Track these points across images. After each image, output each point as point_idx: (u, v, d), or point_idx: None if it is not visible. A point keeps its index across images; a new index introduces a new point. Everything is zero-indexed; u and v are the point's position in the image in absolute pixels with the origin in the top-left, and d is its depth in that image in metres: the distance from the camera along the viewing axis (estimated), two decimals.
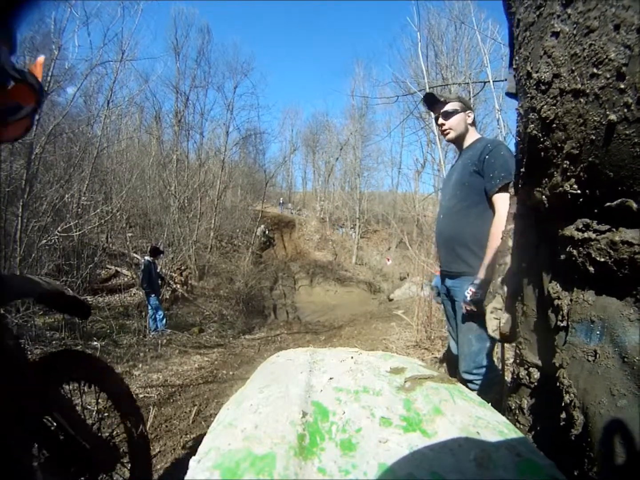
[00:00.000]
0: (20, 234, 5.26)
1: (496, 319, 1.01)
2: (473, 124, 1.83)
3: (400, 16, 18.53)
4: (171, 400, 3.52)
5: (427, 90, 1.82)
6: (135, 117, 18.27)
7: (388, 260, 21.10)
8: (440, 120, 1.80)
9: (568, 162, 0.63)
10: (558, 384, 0.70)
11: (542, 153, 0.68)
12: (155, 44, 61.53)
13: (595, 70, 0.55)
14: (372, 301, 15.57)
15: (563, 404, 0.68)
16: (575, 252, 0.65)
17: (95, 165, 8.74)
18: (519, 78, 0.75)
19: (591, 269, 0.63)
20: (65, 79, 7.06)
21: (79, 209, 7.50)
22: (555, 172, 0.67)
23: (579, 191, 0.63)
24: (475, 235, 1.65)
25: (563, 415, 0.68)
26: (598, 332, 0.63)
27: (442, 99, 1.78)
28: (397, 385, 0.62)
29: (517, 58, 0.76)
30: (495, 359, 1.78)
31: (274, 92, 72.88)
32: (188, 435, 2.75)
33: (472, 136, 1.82)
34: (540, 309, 0.83)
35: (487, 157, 1.62)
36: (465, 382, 1.62)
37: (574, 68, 0.58)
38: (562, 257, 0.69)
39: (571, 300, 0.69)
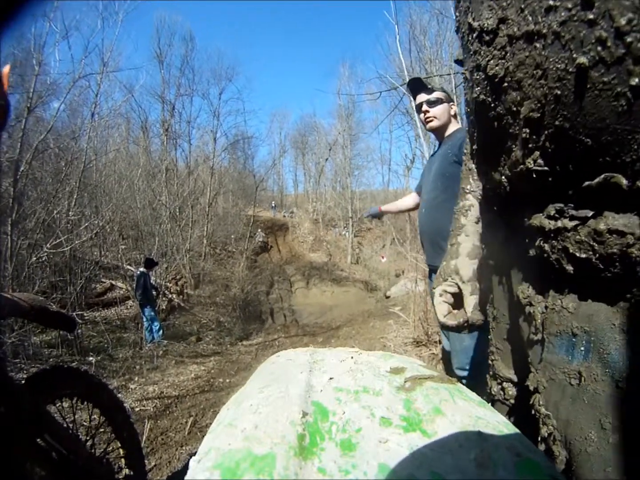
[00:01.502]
0: (11, 253, 5.19)
1: (445, 302, 0.86)
2: (455, 116, 1.84)
3: (384, 15, 18.60)
4: (167, 412, 3.49)
5: (414, 77, 1.79)
6: (122, 128, 18.11)
7: (382, 257, 21.11)
8: (425, 107, 1.77)
9: (528, 131, 0.48)
10: (534, 412, 0.57)
11: (495, 122, 0.53)
12: (137, 53, 61.04)
13: (551, 2, 0.41)
14: (369, 300, 15.55)
15: (540, 437, 0.55)
16: (547, 246, 0.51)
17: (82, 179, 8.65)
18: (461, 36, 0.60)
19: (569, 267, 0.49)
20: (48, 94, 6.99)
21: (69, 224, 7.42)
22: (513, 146, 0.51)
23: (546, 168, 0.48)
24: None
25: (542, 447, 0.55)
26: (582, 348, 0.49)
27: (429, 86, 1.77)
28: (397, 385, 0.62)
29: (457, 14, 0.60)
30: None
31: (260, 96, 73.17)
32: (184, 448, 2.72)
33: (453, 128, 1.82)
34: (512, 314, 0.68)
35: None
36: (459, 379, 1.62)
37: (523, 6, 0.44)
38: (532, 253, 0.55)
39: (546, 307, 0.54)
